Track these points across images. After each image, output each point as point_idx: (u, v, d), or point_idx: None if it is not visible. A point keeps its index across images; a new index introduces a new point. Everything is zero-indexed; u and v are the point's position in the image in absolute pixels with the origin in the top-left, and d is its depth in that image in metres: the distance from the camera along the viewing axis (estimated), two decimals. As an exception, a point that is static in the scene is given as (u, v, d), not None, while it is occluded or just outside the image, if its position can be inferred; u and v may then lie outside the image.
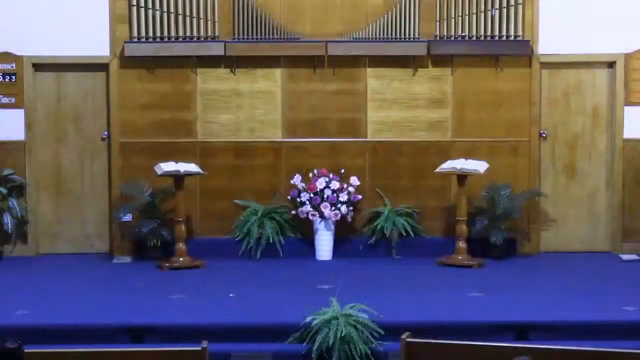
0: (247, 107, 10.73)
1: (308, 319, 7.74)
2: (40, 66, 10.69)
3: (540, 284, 9.29)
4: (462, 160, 10.29)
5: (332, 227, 10.51)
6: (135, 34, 10.48)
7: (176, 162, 10.20)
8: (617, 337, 7.69)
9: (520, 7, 10.51)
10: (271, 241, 10.46)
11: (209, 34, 10.53)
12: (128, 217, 10.43)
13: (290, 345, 7.74)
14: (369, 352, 7.61)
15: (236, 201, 10.69)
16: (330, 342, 7.55)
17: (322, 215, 10.41)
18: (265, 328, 7.88)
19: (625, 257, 10.60)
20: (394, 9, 10.55)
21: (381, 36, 10.57)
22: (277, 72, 10.71)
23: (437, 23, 10.58)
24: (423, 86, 10.72)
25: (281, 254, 10.50)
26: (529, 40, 10.57)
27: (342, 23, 10.66)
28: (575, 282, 9.41)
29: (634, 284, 9.29)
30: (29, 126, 10.69)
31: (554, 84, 10.83)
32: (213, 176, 10.63)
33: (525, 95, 10.69)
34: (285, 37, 10.57)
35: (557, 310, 8.24)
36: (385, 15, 10.56)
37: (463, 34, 10.58)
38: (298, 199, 10.50)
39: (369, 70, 10.70)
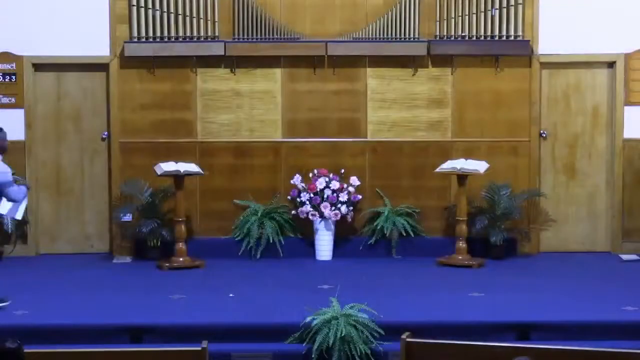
0: (247, 107, 10.73)
1: (308, 319, 7.74)
2: (40, 66, 10.69)
3: (540, 284, 9.29)
4: (462, 160, 10.29)
5: (332, 227, 10.51)
6: (135, 34, 10.48)
7: (176, 162, 10.20)
8: (617, 337, 7.69)
9: (520, 7, 10.51)
10: (271, 241, 10.46)
11: (209, 34, 10.53)
12: (128, 217, 10.44)
13: (290, 345, 7.74)
14: (369, 352, 7.61)
15: (236, 201, 10.69)
16: (330, 342, 7.55)
17: (322, 215, 10.41)
18: (265, 328, 7.88)
19: (625, 257, 10.61)
20: (394, 9, 10.55)
21: (381, 36, 10.57)
22: (277, 72, 10.71)
23: (437, 23, 10.58)
24: (423, 86, 10.72)
25: (281, 254, 10.50)
26: (529, 40, 10.57)
27: (342, 23, 10.66)
28: (575, 282, 9.41)
29: (634, 284, 9.29)
30: (29, 126, 10.69)
31: (554, 84, 10.83)
32: (213, 176, 10.63)
33: (525, 95, 10.69)
34: (285, 37, 10.57)
35: (557, 310, 8.25)
36: (385, 15, 10.56)
37: (463, 34, 10.58)
38: (298, 199, 10.50)
39: (369, 70, 10.70)
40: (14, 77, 10.63)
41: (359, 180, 10.56)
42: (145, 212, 10.45)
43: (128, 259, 10.52)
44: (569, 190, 10.92)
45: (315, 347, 7.59)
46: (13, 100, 10.64)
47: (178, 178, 10.11)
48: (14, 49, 10.60)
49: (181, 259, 10.10)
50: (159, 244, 10.44)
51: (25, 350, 5.36)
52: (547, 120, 10.84)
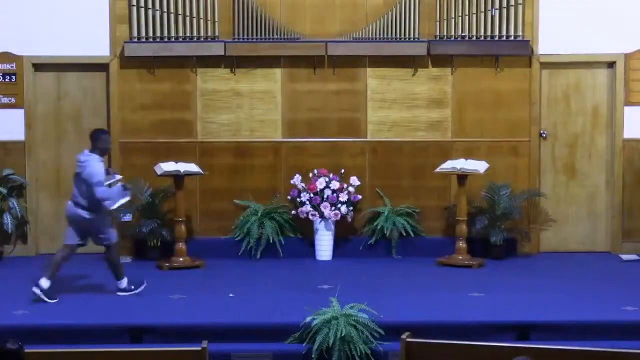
0: (247, 107, 10.73)
1: (308, 319, 7.75)
2: (40, 66, 10.69)
3: (540, 284, 9.29)
4: (462, 160, 10.29)
5: (332, 227, 10.51)
6: (135, 34, 10.48)
7: (176, 162, 10.20)
8: (617, 337, 7.69)
9: (520, 7, 10.51)
10: (271, 241, 10.46)
11: (209, 34, 10.53)
12: (128, 217, 10.42)
13: (290, 345, 7.74)
14: (369, 352, 7.61)
15: (236, 201, 10.69)
16: (330, 342, 7.55)
17: (322, 215, 10.41)
18: (265, 328, 7.88)
19: (625, 257, 10.60)
20: (394, 9, 10.55)
21: (381, 36, 10.56)
22: (277, 72, 10.71)
23: (437, 23, 10.58)
24: (423, 86, 10.72)
25: (281, 254, 10.50)
26: (529, 40, 10.57)
27: (342, 23, 10.66)
28: (575, 282, 9.42)
29: (634, 284, 9.30)
30: (29, 126, 10.68)
31: (554, 84, 10.83)
32: (213, 176, 10.63)
33: (525, 95, 10.69)
34: (285, 37, 10.57)
35: (557, 310, 8.25)
36: (385, 15, 10.56)
37: (463, 34, 10.58)
38: (298, 199, 10.50)
39: (369, 70, 10.70)
40: (14, 77, 10.63)
41: (359, 180, 10.56)
42: (145, 212, 10.45)
43: (128, 259, 10.51)
44: (569, 190, 10.92)
45: (315, 347, 7.59)
46: (13, 100, 10.64)
47: (178, 178, 10.12)
48: (14, 49, 10.60)
49: (181, 259, 10.11)
50: (159, 244, 10.44)
51: (25, 350, 5.36)
52: (547, 120, 10.84)
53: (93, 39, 10.51)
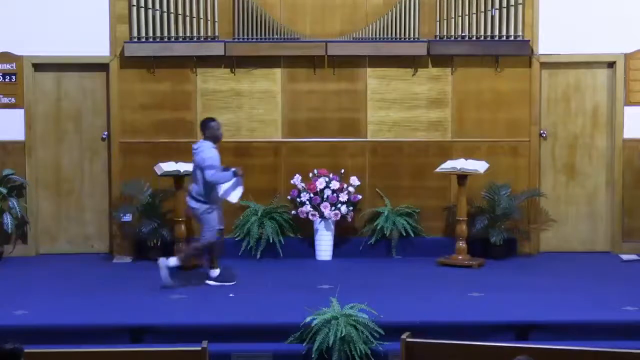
0: (247, 107, 10.73)
1: (308, 319, 7.75)
2: (40, 66, 10.69)
3: (540, 284, 9.29)
4: (462, 160, 10.28)
5: (332, 227, 10.52)
6: (135, 34, 10.48)
7: (176, 162, 10.20)
8: (617, 337, 7.69)
9: (520, 7, 10.51)
10: (271, 241, 10.46)
11: (209, 34, 10.53)
12: (128, 217, 10.44)
13: (290, 345, 7.74)
14: (369, 352, 7.61)
15: (236, 201, 10.69)
16: (330, 342, 7.55)
17: (322, 215, 10.41)
18: (265, 328, 7.88)
19: (625, 257, 10.60)
20: (394, 9, 10.55)
21: (381, 36, 10.56)
22: (277, 72, 10.71)
23: (437, 23, 10.58)
24: (423, 86, 10.72)
25: (281, 254, 10.50)
26: (529, 40, 10.57)
27: (342, 23, 10.66)
28: (575, 282, 9.42)
29: (634, 284, 9.30)
30: (29, 126, 10.68)
31: (554, 84, 10.83)
32: (213, 176, 10.62)
33: (525, 95, 10.69)
34: (285, 37, 10.57)
35: (557, 310, 8.25)
36: (385, 15, 10.56)
37: (463, 34, 10.58)
38: (298, 199, 10.50)
39: (369, 70, 10.70)
40: (14, 77, 10.63)
41: (359, 180, 10.56)
42: (145, 212, 10.45)
43: (128, 259, 10.52)
44: (569, 190, 10.92)
45: (315, 347, 7.59)
46: (13, 100, 10.64)
47: (178, 178, 10.12)
48: (14, 49, 10.60)
49: (181, 259, 10.10)
50: (159, 244, 10.43)
51: (25, 350, 5.36)
52: (547, 120, 10.84)
53: (93, 39, 10.51)
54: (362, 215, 10.71)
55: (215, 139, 9.25)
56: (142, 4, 10.44)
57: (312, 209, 10.42)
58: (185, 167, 10.13)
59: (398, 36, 10.56)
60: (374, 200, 10.74)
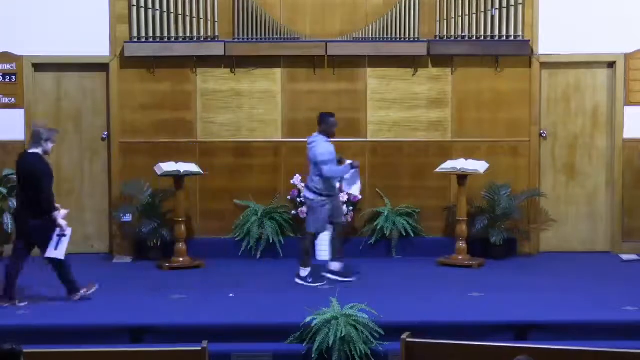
0: (247, 107, 10.73)
1: (308, 319, 7.75)
2: (40, 66, 10.69)
3: (540, 284, 9.30)
4: (462, 160, 10.28)
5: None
6: (135, 34, 10.47)
7: (176, 162, 10.20)
8: (617, 337, 7.69)
9: (520, 7, 10.50)
10: (271, 241, 10.46)
11: (209, 34, 10.53)
12: (128, 217, 10.43)
13: (290, 345, 7.74)
14: (369, 352, 7.62)
15: (236, 201, 10.69)
16: (330, 342, 7.55)
17: (322, 215, 10.40)
18: (265, 328, 7.89)
19: (625, 257, 10.60)
20: (394, 9, 10.54)
21: (381, 36, 10.56)
22: (277, 72, 10.71)
23: (437, 23, 10.58)
24: (423, 86, 10.72)
25: (281, 254, 10.49)
26: (529, 40, 10.57)
27: (342, 23, 10.66)
28: (575, 282, 9.42)
29: (634, 284, 9.30)
30: (29, 126, 10.67)
31: (554, 84, 10.83)
32: (213, 176, 10.63)
33: (525, 95, 10.69)
34: (285, 37, 10.57)
35: (557, 310, 8.26)
36: (385, 15, 10.56)
37: (463, 34, 10.58)
38: (298, 199, 10.50)
39: (369, 70, 10.70)
40: (14, 77, 10.63)
41: (359, 180, 10.57)
42: (145, 212, 10.45)
43: (128, 259, 10.52)
44: (569, 190, 10.92)
45: (315, 347, 7.60)
46: (13, 100, 10.64)
47: (178, 178, 10.11)
48: (14, 49, 10.60)
49: (181, 259, 10.11)
50: (159, 244, 10.43)
51: (26, 350, 5.36)
52: (547, 120, 10.84)
53: (93, 39, 10.51)
54: (362, 215, 10.71)
55: (329, 133, 9.33)
56: (142, 4, 10.44)
57: (312, 209, 10.41)
58: (185, 167, 10.14)
59: (398, 36, 10.56)
60: (374, 200, 10.73)
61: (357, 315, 7.75)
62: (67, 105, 10.79)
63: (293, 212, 10.57)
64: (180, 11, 10.49)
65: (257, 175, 10.72)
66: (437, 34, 10.60)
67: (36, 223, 8.48)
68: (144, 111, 10.66)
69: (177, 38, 10.51)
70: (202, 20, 10.49)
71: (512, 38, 10.55)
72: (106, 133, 10.75)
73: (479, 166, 10.21)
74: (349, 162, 9.38)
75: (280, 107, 10.74)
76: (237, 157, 10.71)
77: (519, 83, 10.67)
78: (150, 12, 10.46)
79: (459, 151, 10.65)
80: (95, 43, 10.52)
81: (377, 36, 10.56)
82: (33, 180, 8.47)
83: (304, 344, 7.70)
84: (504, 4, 10.50)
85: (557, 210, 10.90)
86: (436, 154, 10.65)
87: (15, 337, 5.53)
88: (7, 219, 10.39)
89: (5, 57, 10.62)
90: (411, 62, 10.67)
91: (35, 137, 8.64)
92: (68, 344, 7.38)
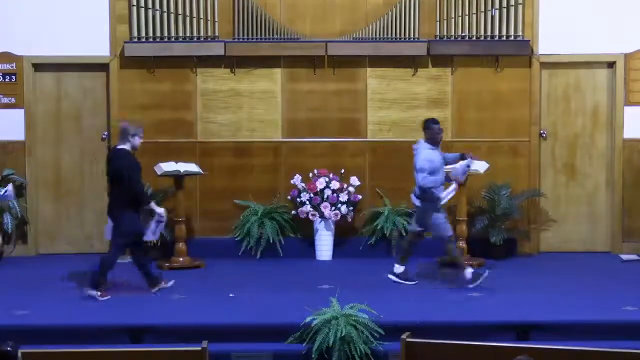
0: (247, 107, 10.73)
1: (308, 319, 7.75)
2: (40, 66, 10.69)
3: (540, 284, 9.29)
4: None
5: (332, 227, 10.52)
6: (135, 34, 10.48)
7: (176, 162, 10.20)
8: (617, 337, 7.69)
9: (520, 7, 10.51)
10: (271, 241, 10.46)
11: (209, 34, 10.53)
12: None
13: (290, 345, 7.74)
14: (369, 352, 7.61)
15: (236, 201, 10.69)
16: (330, 342, 7.55)
17: (322, 215, 10.41)
18: (265, 328, 7.88)
19: (625, 257, 10.61)
20: (394, 9, 10.55)
21: (381, 36, 10.56)
22: (277, 72, 10.72)
23: (437, 23, 10.58)
24: (423, 86, 10.72)
25: (281, 254, 10.50)
26: (529, 40, 10.57)
27: (342, 23, 10.66)
28: (575, 282, 9.42)
29: (634, 284, 9.30)
30: (28, 126, 10.68)
31: (554, 84, 10.83)
32: (213, 176, 10.63)
33: (525, 95, 10.69)
34: (285, 37, 10.57)
35: (557, 310, 8.25)
36: (385, 15, 10.56)
37: (463, 34, 10.58)
38: (298, 199, 10.50)
39: (369, 70, 10.70)
40: (14, 77, 10.63)
41: (359, 180, 10.56)
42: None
43: (128, 259, 10.50)
44: (569, 190, 10.92)
45: (315, 347, 7.59)
46: (13, 100, 10.64)
47: (178, 178, 10.12)
48: (14, 49, 10.60)
49: (181, 259, 10.11)
50: (159, 244, 10.43)
51: (26, 351, 5.36)
52: (547, 120, 10.84)
53: (93, 39, 10.51)
54: (362, 215, 10.71)
55: (434, 140, 9.12)
56: (142, 4, 10.44)
57: (312, 209, 10.42)
58: (185, 167, 10.14)
59: (398, 36, 10.56)
60: (374, 200, 10.74)
61: (357, 315, 7.74)
62: (67, 105, 10.80)
63: (293, 212, 10.57)
64: (180, 11, 10.49)
65: (257, 175, 10.73)
66: (437, 34, 10.60)
67: (127, 215, 8.84)
68: (144, 111, 10.66)
69: (177, 38, 10.51)
70: (202, 20, 10.50)
71: (512, 38, 10.56)
72: (106, 133, 10.75)
73: (479, 166, 10.19)
74: (466, 159, 9.32)
75: (280, 107, 10.74)
76: (237, 157, 10.72)
77: (519, 83, 10.68)
78: (150, 12, 10.47)
79: (458, 151, 10.62)
80: (95, 43, 10.52)
81: (377, 36, 10.57)
82: (123, 175, 8.79)
83: (304, 344, 7.70)
84: (504, 3, 10.51)
85: (557, 210, 10.90)
86: (436, 154, 10.64)
87: (15, 337, 5.51)
88: (7, 219, 10.40)
89: (5, 57, 10.62)
90: (411, 62, 10.67)
91: (123, 134, 8.98)
92: (68, 344, 7.37)
